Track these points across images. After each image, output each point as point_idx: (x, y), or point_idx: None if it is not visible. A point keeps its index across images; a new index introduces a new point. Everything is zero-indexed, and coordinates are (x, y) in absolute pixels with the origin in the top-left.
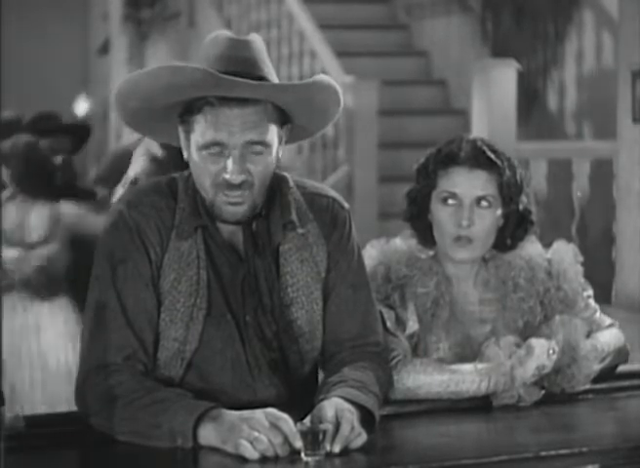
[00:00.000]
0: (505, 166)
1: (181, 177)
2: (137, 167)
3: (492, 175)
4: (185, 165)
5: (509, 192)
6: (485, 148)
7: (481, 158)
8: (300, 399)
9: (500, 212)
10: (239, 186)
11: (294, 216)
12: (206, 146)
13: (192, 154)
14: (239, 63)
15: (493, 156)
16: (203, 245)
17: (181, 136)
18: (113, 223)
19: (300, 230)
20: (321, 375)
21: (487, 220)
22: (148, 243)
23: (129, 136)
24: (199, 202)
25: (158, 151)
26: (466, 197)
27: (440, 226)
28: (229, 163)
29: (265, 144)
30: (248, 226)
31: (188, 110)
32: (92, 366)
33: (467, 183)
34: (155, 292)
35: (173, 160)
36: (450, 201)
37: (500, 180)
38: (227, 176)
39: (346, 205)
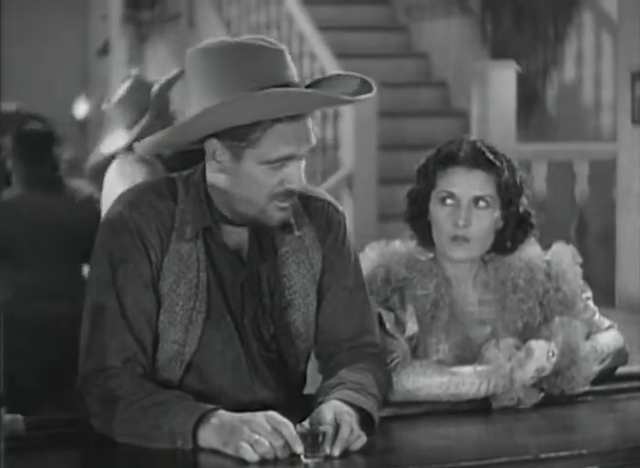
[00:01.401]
0: (504, 167)
1: (180, 178)
2: (136, 172)
3: (490, 175)
4: (180, 167)
5: (508, 193)
6: (484, 149)
7: (480, 158)
8: (296, 398)
9: (498, 213)
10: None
11: (291, 219)
12: (276, 160)
13: (245, 168)
14: (290, 75)
15: (492, 157)
16: (203, 247)
17: (223, 151)
18: (113, 224)
19: (296, 233)
20: (310, 372)
21: (485, 221)
22: (149, 245)
23: (110, 145)
24: (203, 203)
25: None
26: (464, 197)
27: (438, 226)
28: (296, 173)
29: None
30: (253, 228)
31: (245, 128)
32: (91, 368)
33: (465, 183)
34: (155, 294)
35: (166, 163)
36: (448, 201)
37: (499, 181)
38: (291, 186)
39: (341, 208)
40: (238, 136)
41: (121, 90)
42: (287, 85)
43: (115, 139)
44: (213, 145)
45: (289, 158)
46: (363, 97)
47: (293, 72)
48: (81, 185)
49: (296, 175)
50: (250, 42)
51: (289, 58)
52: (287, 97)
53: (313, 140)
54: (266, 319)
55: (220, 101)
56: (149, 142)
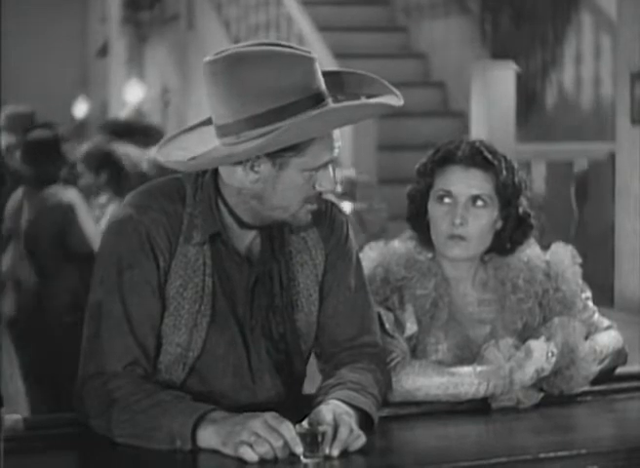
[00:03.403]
0: (503, 167)
1: (188, 180)
2: None
3: (488, 174)
4: None
5: (506, 193)
6: (482, 149)
7: (477, 158)
8: (297, 398)
9: (497, 213)
10: None
11: None
12: (319, 167)
13: (287, 176)
14: (321, 83)
15: (490, 156)
16: (210, 251)
17: (264, 161)
18: (121, 226)
19: (301, 233)
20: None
21: (482, 220)
22: (157, 249)
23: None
24: (214, 208)
25: None
26: (461, 195)
27: (435, 224)
28: (329, 176)
29: None
30: (266, 230)
31: None
32: (92, 371)
33: (463, 182)
34: (161, 298)
35: None
36: (445, 199)
37: (497, 181)
38: (324, 189)
39: (344, 209)
40: (286, 147)
41: None
42: (320, 94)
43: None
44: (260, 156)
45: (328, 163)
46: (400, 101)
47: (321, 79)
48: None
49: (329, 178)
50: (289, 51)
51: (318, 65)
52: (364, 108)
53: (341, 143)
54: (277, 318)
55: (307, 115)
56: (208, 159)
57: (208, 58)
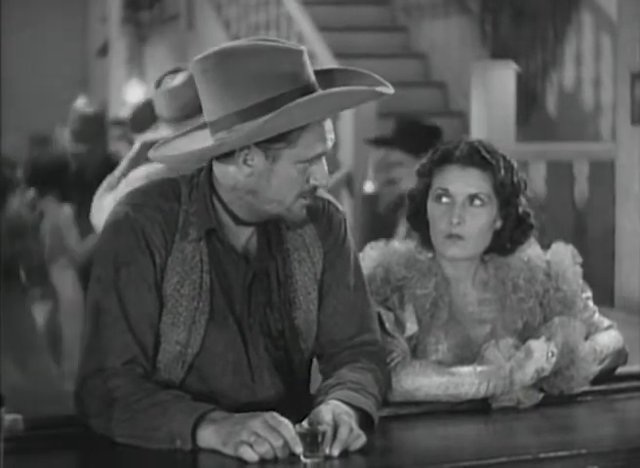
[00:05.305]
0: (501, 166)
1: (183, 180)
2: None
3: (486, 173)
4: None
5: (505, 192)
6: (481, 148)
7: (475, 157)
8: (302, 398)
9: (495, 212)
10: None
11: None
12: (312, 158)
13: (280, 169)
14: (311, 75)
15: (487, 156)
16: (206, 248)
17: (256, 154)
18: (117, 225)
19: (298, 231)
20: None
21: (480, 219)
22: (153, 246)
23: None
24: (209, 205)
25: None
26: (459, 194)
27: (434, 224)
28: (323, 170)
29: None
30: (262, 227)
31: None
32: (91, 369)
33: (461, 181)
34: (158, 295)
35: None
36: (443, 199)
37: (495, 180)
38: (318, 183)
39: (341, 207)
40: (277, 138)
41: (176, 80)
42: (309, 85)
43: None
44: (243, 150)
45: (320, 155)
46: (389, 89)
47: (311, 72)
48: None
49: (323, 172)
50: (278, 45)
51: (307, 57)
52: (351, 94)
53: (333, 136)
54: (274, 315)
55: (296, 102)
56: (199, 153)
57: (197, 57)
